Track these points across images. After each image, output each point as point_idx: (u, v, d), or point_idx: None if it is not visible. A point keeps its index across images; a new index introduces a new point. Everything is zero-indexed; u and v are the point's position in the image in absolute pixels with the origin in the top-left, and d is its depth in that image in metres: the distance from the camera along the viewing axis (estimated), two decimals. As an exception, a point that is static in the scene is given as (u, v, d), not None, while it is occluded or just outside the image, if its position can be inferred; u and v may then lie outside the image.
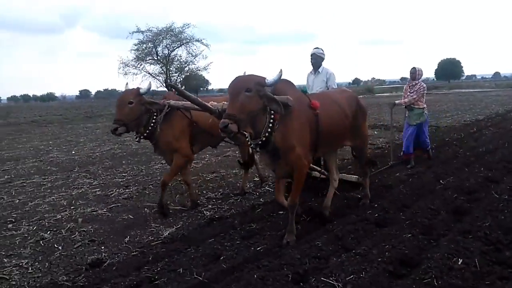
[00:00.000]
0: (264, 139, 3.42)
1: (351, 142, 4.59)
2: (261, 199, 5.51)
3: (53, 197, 6.10)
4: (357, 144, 4.69)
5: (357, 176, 5.55)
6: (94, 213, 5.24)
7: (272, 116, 3.41)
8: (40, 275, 3.61)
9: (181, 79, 37.88)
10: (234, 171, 7.33)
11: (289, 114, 3.46)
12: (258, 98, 3.29)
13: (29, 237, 4.48)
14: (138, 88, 4.74)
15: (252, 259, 3.54)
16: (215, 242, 4.04)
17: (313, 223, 4.40)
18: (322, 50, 5.76)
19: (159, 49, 34.77)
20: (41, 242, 4.34)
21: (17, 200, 6.01)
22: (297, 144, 3.55)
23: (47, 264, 3.81)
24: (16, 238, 4.46)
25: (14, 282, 3.48)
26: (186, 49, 35.30)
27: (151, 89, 4.89)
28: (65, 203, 5.72)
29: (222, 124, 3.09)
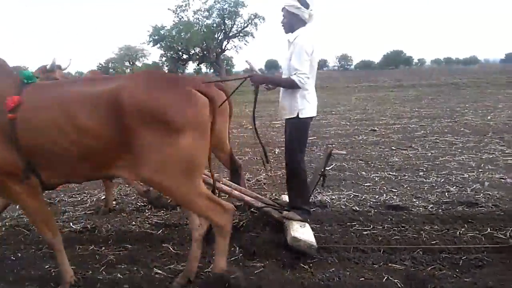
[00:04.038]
0: None
1: (123, 172, 2.59)
2: None
3: (463, 157, 6.36)
4: (146, 175, 2.48)
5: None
6: (502, 180, 5.07)
7: None
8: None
9: None
10: None
11: None
12: None
13: (436, 187, 4.98)
14: None
15: None
16: None
17: None
18: None
19: None
20: (446, 193, 4.73)
21: (430, 154, 6.70)
22: None
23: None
24: (425, 185, 5.06)
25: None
26: None
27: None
28: (473, 165, 5.85)
29: None
